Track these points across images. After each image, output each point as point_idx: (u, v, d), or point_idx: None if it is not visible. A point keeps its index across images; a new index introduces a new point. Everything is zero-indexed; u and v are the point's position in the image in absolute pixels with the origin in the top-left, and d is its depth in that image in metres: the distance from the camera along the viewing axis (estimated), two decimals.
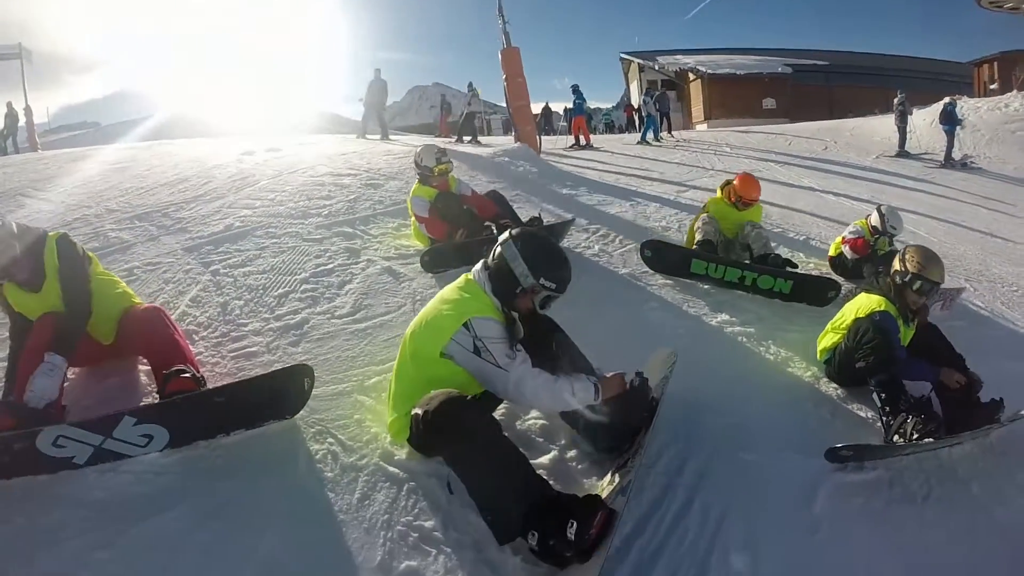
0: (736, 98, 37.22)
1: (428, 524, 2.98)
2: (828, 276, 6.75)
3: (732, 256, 7.06)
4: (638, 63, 42.44)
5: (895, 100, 20.36)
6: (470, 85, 19.71)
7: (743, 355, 5.24)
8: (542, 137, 16.65)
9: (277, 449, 3.41)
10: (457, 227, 6.48)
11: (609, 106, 39.66)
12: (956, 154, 19.12)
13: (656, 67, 41.11)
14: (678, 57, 41.78)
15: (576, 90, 21.37)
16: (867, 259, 7.15)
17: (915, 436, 3.87)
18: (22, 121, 22.42)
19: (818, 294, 6.33)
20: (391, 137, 17.05)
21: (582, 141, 19.79)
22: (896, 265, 4.68)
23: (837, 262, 7.37)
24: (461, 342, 3.09)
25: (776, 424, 4.22)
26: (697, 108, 39.41)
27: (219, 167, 9.79)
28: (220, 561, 2.72)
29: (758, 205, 7.43)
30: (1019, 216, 13.51)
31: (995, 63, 32.86)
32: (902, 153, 19.74)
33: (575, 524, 2.65)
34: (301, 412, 3.60)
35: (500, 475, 2.80)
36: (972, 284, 8.02)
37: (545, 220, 7.56)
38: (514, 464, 2.85)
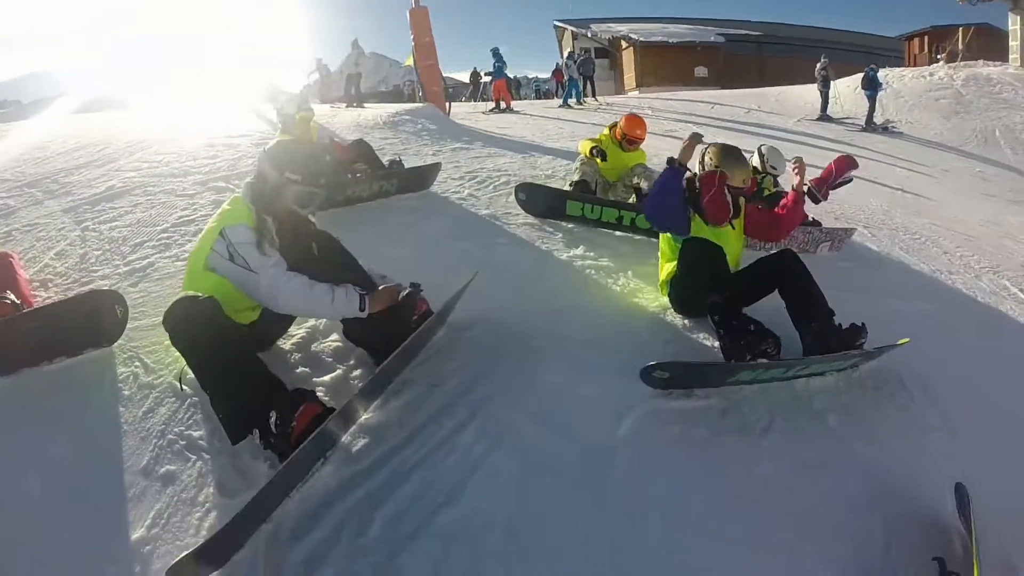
0: (668, 66, 36.91)
1: (197, 434, 3.04)
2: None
3: (612, 198, 6.78)
4: (571, 30, 41.79)
5: (818, 65, 20.34)
6: (355, 43, 18.04)
7: (585, 285, 4.96)
8: (473, 102, 16.61)
9: (89, 372, 3.50)
10: None
11: (546, 76, 39.12)
12: (878, 118, 19.25)
13: (589, 34, 40.59)
14: (611, 25, 41.29)
15: (496, 53, 20.98)
16: (756, 198, 6.64)
17: (748, 356, 3.52)
18: None
19: None
20: (364, 106, 16.39)
21: (502, 105, 19.62)
22: (698, 167, 4.34)
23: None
24: (218, 250, 3.07)
25: (602, 350, 3.89)
26: (629, 75, 39.09)
27: (122, 133, 9.50)
28: (9, 462, 2.91)
29: (642, 150, 7.20)
30: (933, 176, 13.66)
31: (925, 37, 33.23)
32: (824, 117, 19.81)
33: (274, 415, 2.68)
34: (120, 341, 3.67)
35: (225, 378, 2.79)
36: (871, 231, 7.84)
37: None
38: (242, 368, 2.81)
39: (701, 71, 37.26)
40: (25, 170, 7.74)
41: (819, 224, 6.81)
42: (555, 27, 43.85)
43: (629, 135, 6.92)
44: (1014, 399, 4.14)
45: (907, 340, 3.94)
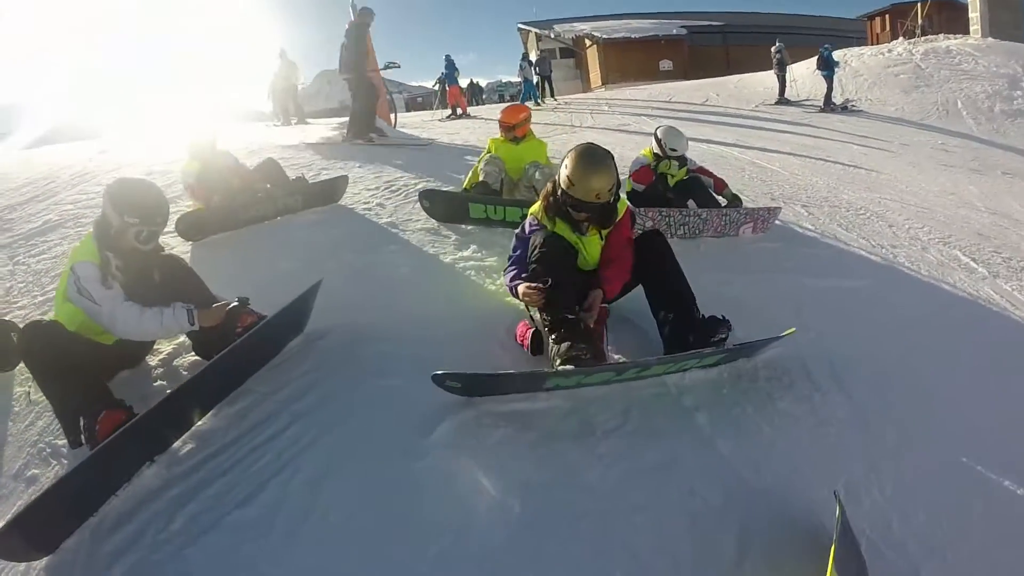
0: (632, 61, 36.68)
1: (61, 442, 3.24)
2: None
3: (518, 197, 6.55)
4: (535, 32, 41.44)
5: (772, 49, 20.04)
6: (281, 53, 16.40)
7: (460, 287, 4.80)
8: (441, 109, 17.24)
9: None
10: (214, 194, 6.31)
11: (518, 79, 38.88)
12: (837, 98, 18.94)
13: (552, 35, 40.32)
14: (574, 24, 41.03)
15: (448, 60, 20.86)
16: (660, 186, 6.48)
17: (559, 362, 3.22)
18: None
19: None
20: (308, 121, 15.81)
21: (459, 111, 19.54)
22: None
23: (633, 198, 6.43)
24: (71, 285, 3.35)
25: (454, 351, 3.74)
26: (595, 73, 38.85)
27: (67, 167, 9.53)
28: None
29: (541, 142, 6.88)
30: (891, 151, 13.31)
31: (886, 15, 33.14)
32: (782, 101, 19.52)
33: (83, 420, 3.05)
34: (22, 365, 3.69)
35: (53, 388, 3.15)
36: (808, 209, 7.48)
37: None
38: (67, 380, 3.11)
39: (666, 64, 37.00)
40: None
41: (738, 203, 6.40)
42: (519, 30, 43.44)
43: (504, 123, 6.64)
44: (948, 380, 3.77)
45: (792, 330, 3.52)
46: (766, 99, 19.76)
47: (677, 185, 6.52)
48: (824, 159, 11.39)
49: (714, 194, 6.52)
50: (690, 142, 8.68)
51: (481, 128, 15.08)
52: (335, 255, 5.43)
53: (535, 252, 3.56)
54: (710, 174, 6.71)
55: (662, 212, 5.86)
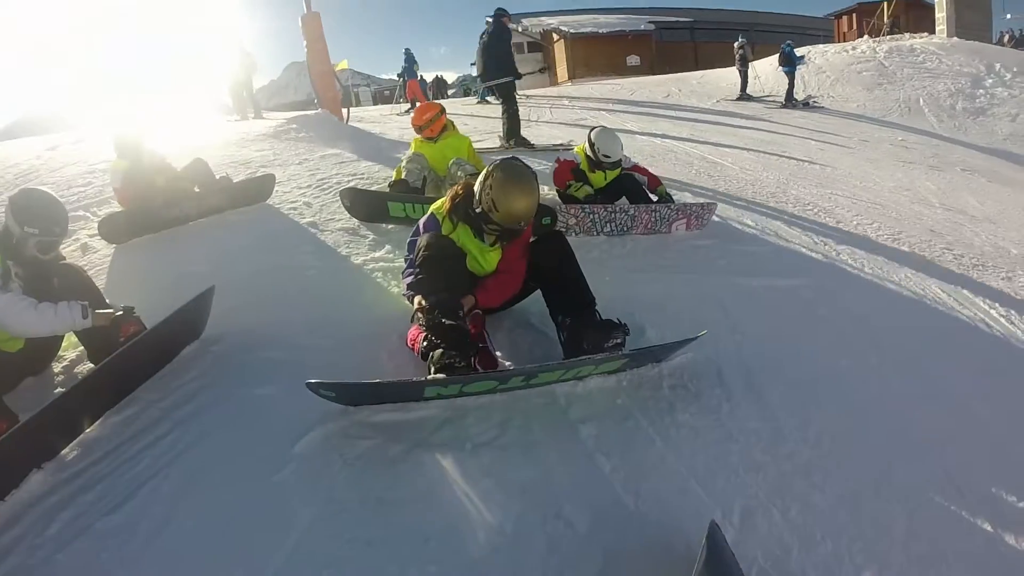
0: (599, 56, 36.29)
1: None
2: (545, 203, 5.72)
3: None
4: None
5: (735, 44, 19.72)
6: (239, 45, 15.98)
7: (364, 289, 4.66)
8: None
9: None
10: (138, 196, 6.27)
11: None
12: (799, 94, 18.79)
13: (520, 29, 39.85)
14: (542, 18, 40.56)
15: (408, 54, 20.62)
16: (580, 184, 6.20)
17: (432, 370, 3.07)
18: None
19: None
20: (264, 115, 15.32)
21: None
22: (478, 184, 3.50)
23: (563, 196, 6.29)
24: None
25: (342, 357, 3.63)
26: (562, 68, 38.45)
27: (14, 165, 9.37)
28: None
29: (464, 137, 6.73)
30: (848, 147, 13.14)
31: (853, 14, 33.24)
32: (743, 96, 19.25)
33: None
34: None
35: None
36: (752, 206, 7.25)
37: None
38: None
39: (633, 60, 36.72)
40: None
41: (669, 199, 6.08)
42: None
43: (414, 123, 6.62)
44: (881, 388, 3.55)
45: (703, 333, 3.37)
46: (728, 95, 19.53)
47: (609, 184, 6.25)
48: (779, 154, 11.15)
49: (648, 192, 6.23)
50: (642, 136, 8.35)
51: None
52: (248, 257, 5.31)
53: (419, 255, 3.40)
54: (644, 171, 6.40)
55: (585, 209, 5.60)
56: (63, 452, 3.07)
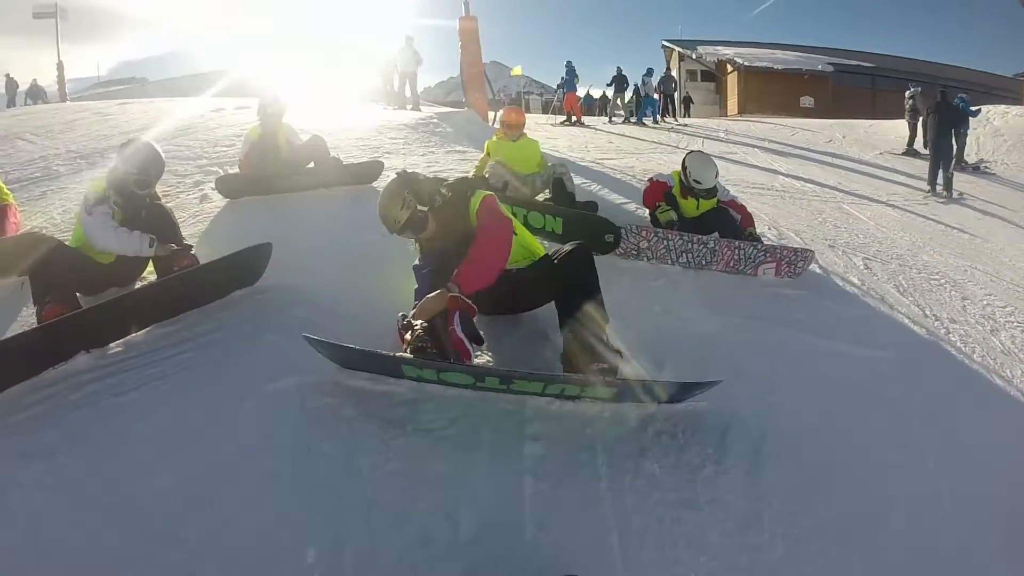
0: (773, 93, 35.10)
1: None
2: (606, 218, 5.85)
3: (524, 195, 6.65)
4: (679, 51, 40.46)
5: (906, 94, 18.38)
6: (408, 40, 16.21)
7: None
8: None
9: None
10: (260, 162, 7.12)
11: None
12: (970, 156, 16.98)
13: (695, 56, 39.26)
14: (718, 48, 39.73)
15: (569, 67, 20.73)
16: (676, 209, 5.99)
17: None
18: (23, 87, 25.33)
19: (593, 237, 5.39)
20: (421, 108, 15.97)
21: (573, 118, 19.53)
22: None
23: (653, 219, 6.09)
24: (82, 205, 4.49)
25: (357, 328, 3.81)
26: (732, 101, 37.52)
27: (179, 120, 11.09)
28: None
29: (534, 140, 7.10)
30: (1012, 221, 11.81)
31: None
32: (909, 151, 17.64)
33: (36, 308, 3.98)
34: None
35: (37, 285, 4.07)
36: (869, 263, 6.69)
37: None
38: (42, 280, 4.06)
39: (807, 101, 35.27)
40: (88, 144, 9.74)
41: (757, 239, 5.76)
42: (663, 47, 42.55)
43: (505, 121, 6.97)
44: (923, 500, 3.05)
45: (719, 381, 3.11)
46: (894, 147, 18.15)
47: (703, 215, 5.98)
48: (927, 216, 10.32)
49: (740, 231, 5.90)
50: (785, 177, 7.98)
51: (583, 138, 15.17)
52: (327, 227, 5.90)
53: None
54: (741, 208, 6.08)
55: (658, 233, 5.39)
56: (110, 345, 3.74)
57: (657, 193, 5.95)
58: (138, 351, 3.68)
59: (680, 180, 5.92)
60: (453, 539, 2.39)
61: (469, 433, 2.95)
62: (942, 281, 6.52)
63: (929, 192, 12.85)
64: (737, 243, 5.47)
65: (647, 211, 6.18)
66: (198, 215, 6.48)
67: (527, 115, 22.52)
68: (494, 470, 2.74)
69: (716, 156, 13.17)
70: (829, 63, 37.51)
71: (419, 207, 3.57)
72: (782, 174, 12.21)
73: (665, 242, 5.38)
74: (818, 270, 5.74)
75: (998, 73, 39.81)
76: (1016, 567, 2.75)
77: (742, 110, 35.47)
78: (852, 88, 36.40)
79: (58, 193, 7.35)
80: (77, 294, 4.24)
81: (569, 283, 3.46)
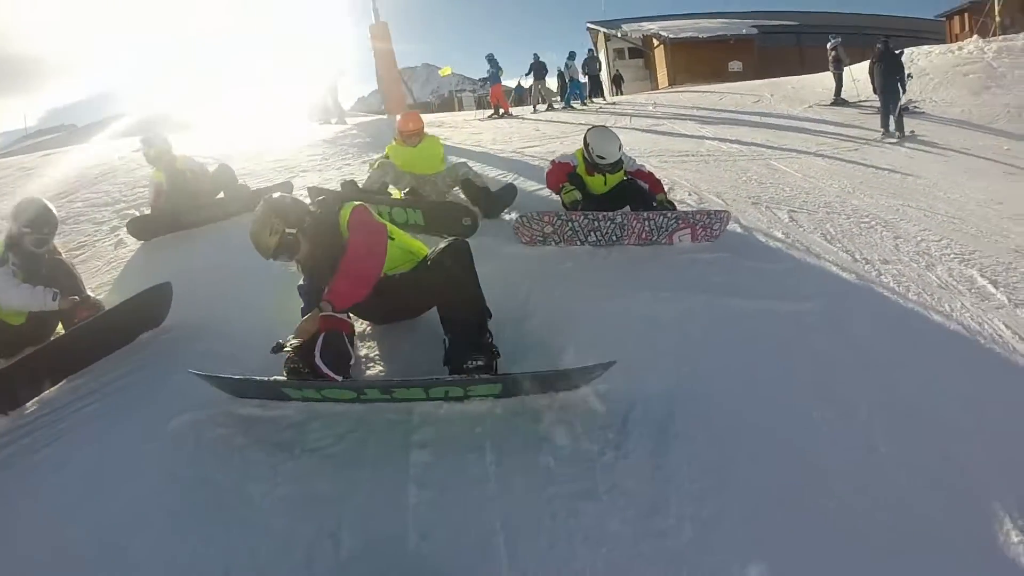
0: (700, 62, 34.97)
1: None
2: (464, 203, 6.31)
3: (422, 196, 6.68)
4: (603, 32, 40.22)
5: (828, 46, 18.41)
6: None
7: None
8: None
9: None
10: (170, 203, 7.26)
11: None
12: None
13: (620, 35, 39.15)
14: (642, 24, 39.66)
15: (491, 59, 20.20)
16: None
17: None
18: None
19: (452, 223, 5.75)
20: (347, 120, 15.83)
21: (501, 111, 19.17)
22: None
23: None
24: None
25: (258, 356, 3.56)
26: (662, 74, 37.44)
27: (96, 165, 10.90)
28: None
29: (437, 142, 7.01)
30: (944, 155, 11.89)
31: (965, 14, 31.09)
32: (838, 101, 17.73)
33: None
34: None
35: None
36: (794, 215, 6.52)
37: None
38: None
39: (735, 65, 35.09)
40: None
41: (670, 206, 5.56)
42: (588, 29, 42.34)
43: (400, 129, 6.84)
44: (855, 456, 2.83)
45: (612, 362, 2.97)
46: (822, 99, 18.19)
47: (612, 189, 5.79)
48: (856, 162, 10.19)
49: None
50: (712, 141, 7.79)
51: (510, 129, 14.91)
52: (234, 259, 5.41)
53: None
54: (647, 176, 5.89)
55: (561, 216, 5.20)
56: (26, 405, 3.83)
57: (560, 175, 5.76)
58: (51, 407, 3.75)
59: (584, 158, 5.73)
60: (335, 559, 2.38)
61: (356, 447, 2.94)
62: (872, 223, 6.34)
63: (883, 134, 13.12)
64: (645, 214, 5.26)
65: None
66: (112, 261, 6.51)
67: (460, 113, 22.44)
68: (379, 483, 2.71)
69: (643, 130, 13.32)
70: (753, 26, 37.41)
71: (287, 231, 3.55)
72: (709, 139, 12.04)
73: (570, 224, 5.18)
74: (739, 229, 5.52)
75: (921, 17, 40.30)
76: (955, 517, 2.48)
77: (672, 82, 35.36)
78: (778, 48, 36.28)
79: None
80: None
81: (443, 284, 3.45)
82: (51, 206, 4.80)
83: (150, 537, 2.60)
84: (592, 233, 5.22)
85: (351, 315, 3.67)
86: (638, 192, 5.64)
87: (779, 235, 5.67)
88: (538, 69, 20.97)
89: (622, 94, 29.54)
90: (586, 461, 2.67)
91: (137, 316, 4.47)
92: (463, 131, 14.14)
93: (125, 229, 7.07)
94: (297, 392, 3.23)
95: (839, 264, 5.04)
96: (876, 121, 13.85)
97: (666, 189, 6.20)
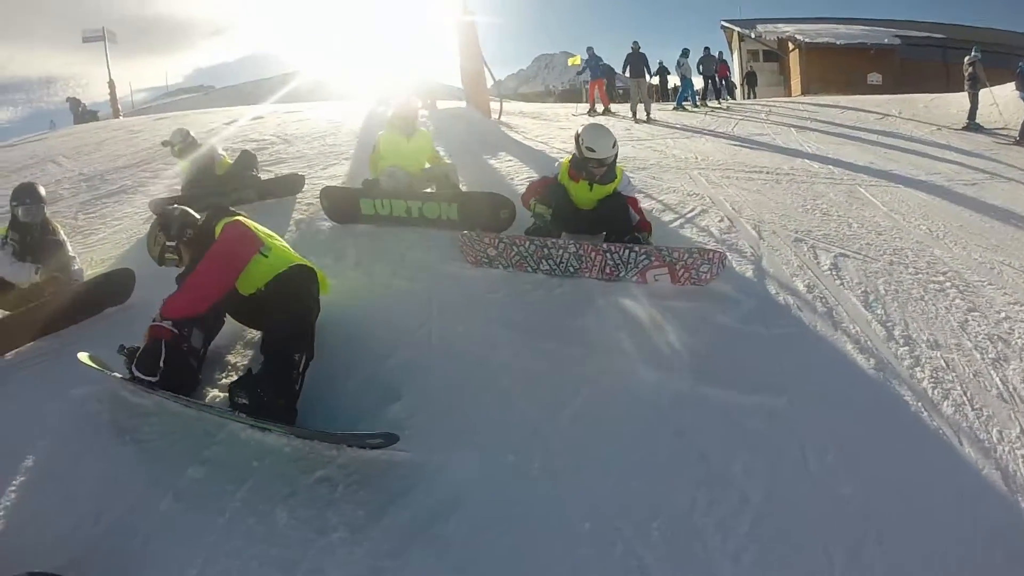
0: (837, 70, 32.35)
1: None
2: (500, 195, 5.96)
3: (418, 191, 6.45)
4: (738, 31, 38.26)
5: (965, 61, 16.28)
6: None
7: None
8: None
9: None
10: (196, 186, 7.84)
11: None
12: None
13: (754, 35, 37.04)
14: (778, 25, 37.26)
15: (590, 53, 18.91)
16: (564, 203, 5.20)
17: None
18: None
19: (489, 216, 5.70)
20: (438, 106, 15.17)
21: (600, 107, 17.86)
22: None
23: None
24: None
25: None
26: (795, 81, 35.05)
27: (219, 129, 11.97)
28: None
29: (425, 134, 6.84)
30: None
31: None
32: (971, 126, 15.55)
33: None
34: None
35: None
36: (838, 262, 5.32)
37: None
38: None
39: (874, 78, 32.59)
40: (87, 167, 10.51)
41: (642, 237, 4.80)
42: (722, 28, 40.41)
43: (396, 114, 6.70)
44: None
45: (396, 438, 2.97)
46: (954, 123, 16.07)
47: (598, 206, 5.08)
48: (967, 201, 8.43)
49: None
50: (805, 160, 6.75)
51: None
52: None
53: None
54: (639, 210, 5.11)
55: (504, 239, 4.82)
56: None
57: (533, 189, 5.19)
58: (19, 359, 4.45)
59: (568, 163, 5.13)
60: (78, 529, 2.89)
61: (166, 447, 3.34)
62: (946, 285, 5.08)
63: None
64: (605, 246, 4.49)
65: None
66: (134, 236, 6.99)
67: (567, 105, 21.40)
68: (155, 482, 3.11)
69: (742, 140, 11.96)
70: (896, 35, 34.50)
71: (167, 242, 3.99)
72: (805, 155, 10.77)
73: (516, 248, 4.63)
74: (749, 273, 4.58)
75: None
76: None
77: (806, 90, 32.99)
78: (921, 61, 33.13)
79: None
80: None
81: (270, 308, 3.76)
82: (36, 184, 5.78)
83: (40, 449, 3.40)
84: (544, 261, 4.68)
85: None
86: (622, 217, 4.87)
87: (801, 287, 4.59)
88: (635, 63, 17.66)
89: (755, 96, 27.80)
90: (312, 532, 2.74)
91: (101, 293, 5.09)
92: (550, 128, 13.23)
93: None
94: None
95: (860, 342, 3.95)
96: (1011, 155, 12.03)
97: (699, 211, 5.90)
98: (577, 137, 5.02)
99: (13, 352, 4.53)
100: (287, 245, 4.33)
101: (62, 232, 5.72)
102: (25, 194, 5.44)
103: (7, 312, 5.07)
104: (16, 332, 4.67)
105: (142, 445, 3.35)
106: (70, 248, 5.65)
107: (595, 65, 18.46)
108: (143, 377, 3.52)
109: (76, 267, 5.54)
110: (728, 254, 5.02)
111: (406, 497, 2.89)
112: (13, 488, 3.11)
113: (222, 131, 12.19)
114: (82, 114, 24.50)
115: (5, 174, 10.88)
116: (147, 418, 3.51)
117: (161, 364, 3.53)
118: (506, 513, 2.80)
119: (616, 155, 5.02)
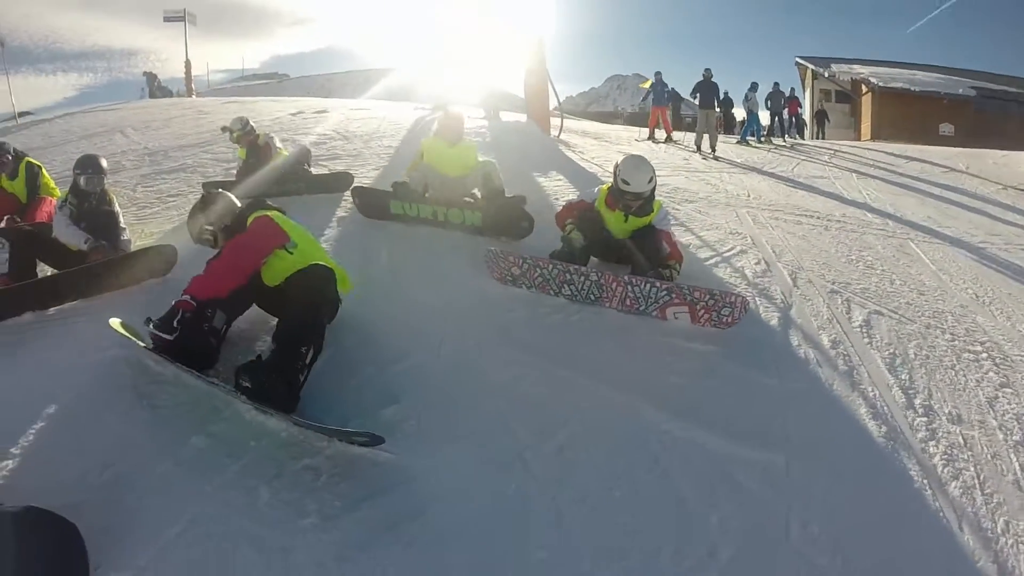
0: (909, 117, 31.61)
1: None
2: (520, 206, 6.30)
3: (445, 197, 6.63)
4: (812, 69, 37.66)
5: None
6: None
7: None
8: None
9: None
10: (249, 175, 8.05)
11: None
12: None
13: (827, 75, 36.43)
14: (853, 66, 36.62)
15: (657, 78, 18.58)
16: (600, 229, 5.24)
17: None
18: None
19: (510, 224, 6.12)
20: (501, 116, 15.35)
21: (660, 135, 17.70)
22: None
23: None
24: None
25: None
26: (866, 125, 34.32)
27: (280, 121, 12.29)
28: None
29: (471, 146, 6.88)
30: None
31: None
32: None
33: None
34: None
35: None
36: (871, 317, 5.21)
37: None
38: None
39: (947, 129, 31.68)
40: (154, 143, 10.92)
41: (671, 266, 4.88)
42: (796, 64, 39.87)
43: (441, 130, 6.79)
44: None
45: (382, 440, 3.09)
46: (1023, 183, 15.37)
47: (633, 236, 5.10)
48: (1021, 272, 8.02)
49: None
50: (856, 208, 8.54)
51: (651, 155, 13.86)
52: None
53: None
54: (672, 243, 5.08)
55: (528, 260, 4.86)
56: (50, 310, 4.76)
57: (569, 212, 5.21)
58: (49, 314, 4.70)
59: (607, 191, 5.15)
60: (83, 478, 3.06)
61: (184, 412, 3.53)
62: (981, 356, 4.93)
63: None
64: (627, 277, 4.51)
65: None
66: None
67: (632, 128, 21.25)
68: (164, 445, 3.30)
69: (800, 181, 11.79)
70: (971, 87, 33.60)
71: (206, 226, 4.30)
72: (857, 204, 10.57)
73: (539, 270, 4.68)
74: (774, 321, 4.56)
75: None
76: None
77: (875, 135, 32.24)
78: (998, 115, 32.02)
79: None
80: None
81: (287, 302, 3.89)
82: (99, 155, 6.02)
83: (65, 401, 3.61)
84: (565, 286, 4.73)
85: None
86: (652, 243, 4.93)
87: (825, 342, 4.50)
88: (704, 92, 17.18)
89: (823, 136, 27.38)
90: (292, 513, 2.89)
91: (142, 265, 5.28)
92: (608, 150, 13.24)
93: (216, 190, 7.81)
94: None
95: (876, 407, 3.85)
96: None
97: (737, 251, 6.19)
98: (616, 168, 5.01)
99: (55, 308, 4.77)
100: (318, 244, 4.51)
101: (117, 203, 6.01)
102: (88, 164, 5.76)
103: (56, 271, 5.38)
104: (64, 290, 4.94)
105: (156, 411, 3.54)
106: (122, 219, 5.94)
107: (660, 91, 18.26)
108: (159, 335, 3.66)
109: (125, 237, 5.84)
110: (754, 299, 5.00)
111: (383, 495, 3.00)
112: (33, 432, 3.32)
113: (286, 122, 12.62)
114: (156, 89, 25.33)
115: (75, 140, 11.59)
116: (165, 386, 3.69)
117: (175, 325, 3.66)
118: (473, 526, 2.88)
119: (653, 189, 5.01)
